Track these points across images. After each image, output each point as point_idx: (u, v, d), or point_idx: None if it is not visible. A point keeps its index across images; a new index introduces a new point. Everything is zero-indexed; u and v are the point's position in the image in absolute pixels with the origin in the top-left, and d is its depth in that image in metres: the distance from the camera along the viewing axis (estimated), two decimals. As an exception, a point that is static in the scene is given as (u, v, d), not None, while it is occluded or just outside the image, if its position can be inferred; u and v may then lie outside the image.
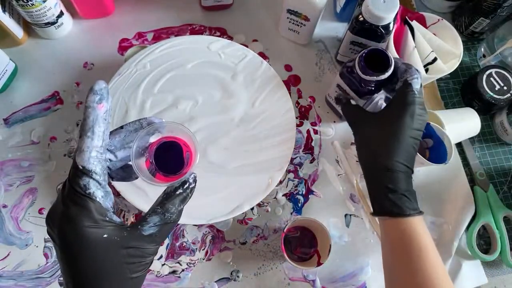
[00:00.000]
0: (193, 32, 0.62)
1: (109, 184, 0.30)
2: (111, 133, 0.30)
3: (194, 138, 0.31)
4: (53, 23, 0.56)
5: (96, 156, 0.27)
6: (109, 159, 0.30)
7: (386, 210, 0.40)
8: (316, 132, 0.59)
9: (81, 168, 0.26)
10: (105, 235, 0.27)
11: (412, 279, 0.38)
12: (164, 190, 0.30)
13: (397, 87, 0.43)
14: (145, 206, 0.48)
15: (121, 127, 0.31)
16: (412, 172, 0.41)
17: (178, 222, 0.32)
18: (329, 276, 0.52)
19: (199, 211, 0.49)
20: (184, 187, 0.30)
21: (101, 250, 0.27)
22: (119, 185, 0.49)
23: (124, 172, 0.32)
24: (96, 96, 0.28)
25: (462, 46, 0.54)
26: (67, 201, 0.27)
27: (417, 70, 0.42)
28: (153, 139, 0.32)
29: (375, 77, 0.46)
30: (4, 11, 0.53)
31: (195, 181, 0.30)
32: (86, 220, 0.26)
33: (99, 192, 0.27)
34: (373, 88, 0.47)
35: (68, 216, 0.26)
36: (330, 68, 0.62)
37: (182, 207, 0.30)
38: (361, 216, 0.55)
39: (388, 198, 0.39)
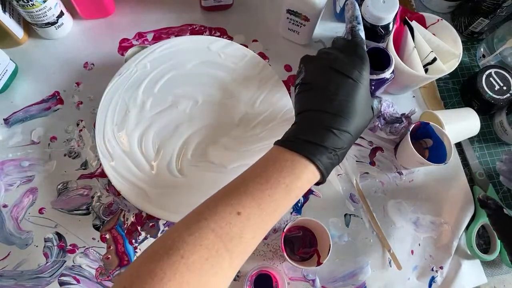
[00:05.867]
0: (193, 32, 0.63)
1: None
2: None
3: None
4: (53, 23, 0.57)
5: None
6: None
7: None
8: (316, 132, 0.59)
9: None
10: None
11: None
12: None
13: None
14: (145, 205, 0.48)
15: None
16: None
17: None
18: (328, 276, 0.53)
19: (199, 210, 0.49)
20: None
21: None
22: (119, 185, 0.49)
23: None
24: None
25: (461, 46, 0.54)
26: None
27: None
28: None
29: (375, 76, 0.46)
30: (4, 11, 0.53)
31: None
32: None
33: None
34: (373, 87, 0.48)
35: None
36: (330, 68, 0.62)
37: None
38: (361, 216, 0.55)
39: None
